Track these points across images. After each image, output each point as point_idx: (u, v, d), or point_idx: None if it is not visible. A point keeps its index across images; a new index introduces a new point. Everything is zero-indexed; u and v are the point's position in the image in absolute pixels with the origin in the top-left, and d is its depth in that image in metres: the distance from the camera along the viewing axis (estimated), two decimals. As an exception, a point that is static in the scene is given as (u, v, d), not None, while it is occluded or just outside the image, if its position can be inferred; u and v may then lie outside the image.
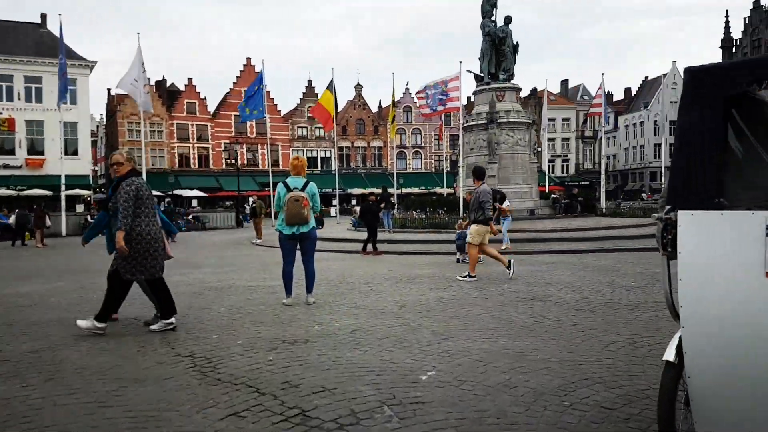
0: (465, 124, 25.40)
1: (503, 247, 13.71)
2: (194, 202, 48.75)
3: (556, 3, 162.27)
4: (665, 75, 76.04)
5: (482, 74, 24.12)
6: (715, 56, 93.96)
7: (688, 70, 2.49)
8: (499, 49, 23.76)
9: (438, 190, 47.67)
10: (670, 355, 2.41)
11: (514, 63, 24.24)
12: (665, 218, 2.40)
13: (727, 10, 77.13)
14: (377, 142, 59.84)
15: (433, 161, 60.83)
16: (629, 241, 15.61)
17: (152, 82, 52.51)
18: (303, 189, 6.60)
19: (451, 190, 28.68)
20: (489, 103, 23.67)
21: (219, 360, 4.39)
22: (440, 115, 33.46)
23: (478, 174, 9.53)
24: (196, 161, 54.99)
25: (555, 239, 16.25)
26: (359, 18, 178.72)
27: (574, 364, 4.14)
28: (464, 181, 25.51)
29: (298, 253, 6.92)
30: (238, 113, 53.44)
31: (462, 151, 26.33)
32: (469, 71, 24.76)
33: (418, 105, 27.49)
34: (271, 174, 32.80)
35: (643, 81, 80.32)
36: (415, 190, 51.54)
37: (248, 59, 55.78)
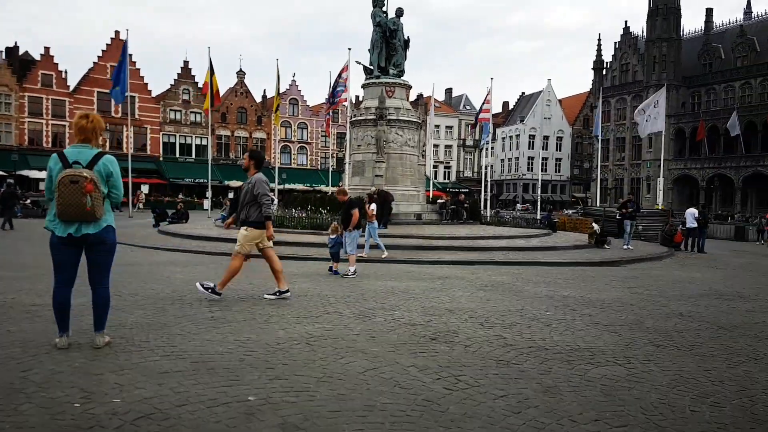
0: (353, 119, 23.56)
1: (383, 255, 12.03)
2: (42, 186, 41.87)
3: (441, 16, 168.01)
4: (540, 92, 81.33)
5: (372, 67, 22.41)
6: (588, 77, 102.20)
7: None
8: (389, 42, 22.21)
9: (323, 188, 45.46)
10: None
11: (405, 59, 22.86)
12: None
13: (599, 34, 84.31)
14: (260, 133, 56.16)
15: (319, 158, 58.46)
16: (519, 253, 14.69)
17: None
18: (90, 166, 4.10)
19: (370, 192, 26.81)
20: (378, 98, 22.04)
21: None
22: (329, 110, 31.37)
23: (255, 158, 6.96)
24: (50, 140, 47.94)
25: (444, 248, 14.87)
26: (250, 6, 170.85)
27: None
28: (351, 179, 23.65)
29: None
30: (102, 90, 47.25)
31: (349, 147, 24.54)
32: (359, 62, 22.96)
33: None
34: (130, 159, 28.42)
35: (520, 96, 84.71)
36: (300, 187, 48.90)
37: (117, 32, 49.47)
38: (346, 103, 23.96)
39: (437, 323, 5.75)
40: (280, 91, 32.07)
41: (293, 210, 19.40)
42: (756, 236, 29.32)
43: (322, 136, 56.94)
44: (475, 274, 10.56)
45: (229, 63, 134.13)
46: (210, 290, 6.57)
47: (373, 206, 12.09)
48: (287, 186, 46.15)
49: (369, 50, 22.43)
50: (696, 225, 19.04)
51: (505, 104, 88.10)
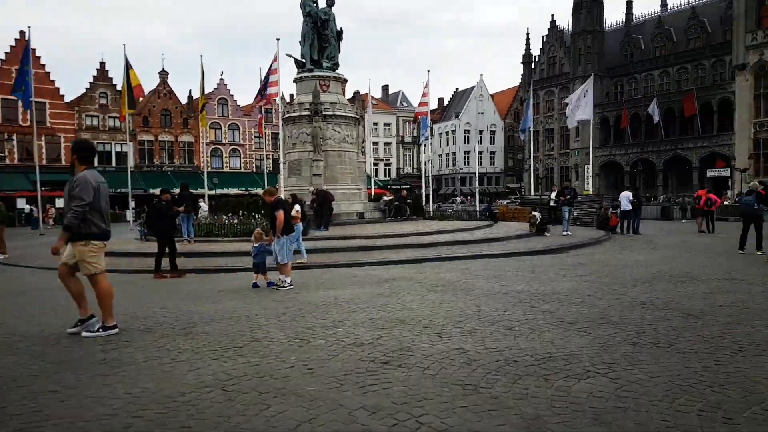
0: (286, 115, 22.39)
1: (300, 261, 10.82)
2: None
3: (374, 14, 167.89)
4: (473, 88, 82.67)
5: (303, 60, 21.33)
6: (517, 71, 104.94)
7: None
8: (321, 34, 21.21)
9: (259, 191, 43.68)
10: None
11: (339, 51, 21.93)
12: None
13: (527, 29, 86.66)
14: (187, 136, 53.36)
15: (254, 160, 56.33)
16: (464, 247, 14.24)
17: None
18: None
19: (294, 193, 25.41)
20: (313, 93, 21.00)
21: None
22: (260, 107, 29.91)
23: (79, 151, 5.48)
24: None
25: (389, 246, 14.16)
26: (175, 6, 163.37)
27: None
28: (287, 180, 22.53)
29: None
30: (8, 96, 43.15)
31: (283, 146, 23.29)
32: (289, 55, 21.77)
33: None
34: (38, 171, 25.87)
35: (454, 92, 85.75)
36: (234, 191, 46.80)
37: (21, 33, 45.30)
38: (277, 99, 22.69)
39: (388, 339, 4.96)
40: (207, 91, 30.27)
41: (223, 216, 18.06)
42: (680, 215, 30.62)
43: (255, 137, 54.90)
44: (423, 273, 9.91)
45: (152, 64, 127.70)
46: (101, 329, 5.38)
47: (297, 207, 11.04)
48: (220, 191, 44.04)
49: (300, 42, 21.32)
50: (630, 207, 19.34)
51: (440, 100, 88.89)
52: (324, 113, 21.33)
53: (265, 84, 21.39)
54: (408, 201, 22.18)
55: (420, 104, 24.09)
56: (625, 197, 19.68)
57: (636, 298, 6.78)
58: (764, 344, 4.52)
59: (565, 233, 17.03)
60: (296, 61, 21.56)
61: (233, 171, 54.93)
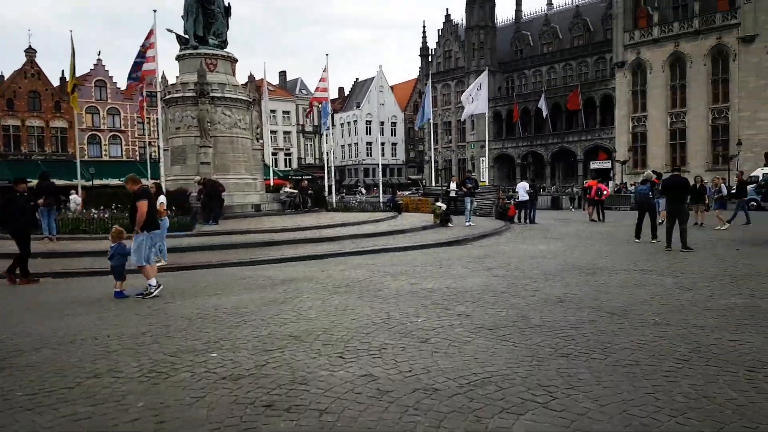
0: (167, 96, 20.17)
1: (159, 263, 8.66)
2: None
3: (270, 1, 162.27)
4: (373, 78, 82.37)
5: (186, 35, 19.25)
6: (415, 63, 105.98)
7: None
8: (207, 8, 19.18)
9: (143, 182, 39.90)
10: None
11: (227, 27, 20.07)
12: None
13: (424, 22, 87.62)
14: (60, 122, 47.64)
15: (137, 148, 51.59)
16: (369, 240, 13.45)
17: None
18: None
19: (157, 181, 22.77)
20: (198, 72, 19.02)
21: None
22: (141, 89, 26.94)
23: None
24: None
25: (288, 242, 12.99)
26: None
27: None
28: (170, 168, 20.35)
29: None
30: None
31: (166, 130, 21.05)
32: (170, 30, 19.50)
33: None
34: None
35: (354, 82, 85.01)
36: (115, 182, 42.49)
37: None
38: (155, 76, 20.34)
39: (276, 367, 3.90)
40: (84, 72, 26.66)
41: (92, 210, 15.76)
42: (569, 204, 32.31)
43: (138, 122, 50.35)
44: (326, 271, 8.93)
45: (18, 44, 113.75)
46: None
47: (162, 199, 9.51)
48: (99, 182, 39.77)
49: (182, 17, 19.18)
50: (527, 198, 19.65)
51: (341, 90, 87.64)
52: (212, 95, 19.44)
53: (141, 60, 19.01)
54: (309, 192, 20.99)
55: (318, 89, 22.75)
56: (522, 188, 19.99)
57: (551, 295, 6.29)
58: (704, 350, 4.07)
59: (467, 224, 16.85)
60: (178, 37, 19.42)
61: (113, 160, 49.98)
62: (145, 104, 29.24)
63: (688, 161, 40.67)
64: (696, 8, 41.37)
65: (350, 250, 11.71)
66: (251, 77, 61.98)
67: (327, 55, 22.96)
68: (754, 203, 24.00)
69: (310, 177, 59.98)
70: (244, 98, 20.56)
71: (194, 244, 12.74)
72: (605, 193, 20.15)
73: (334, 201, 24.48)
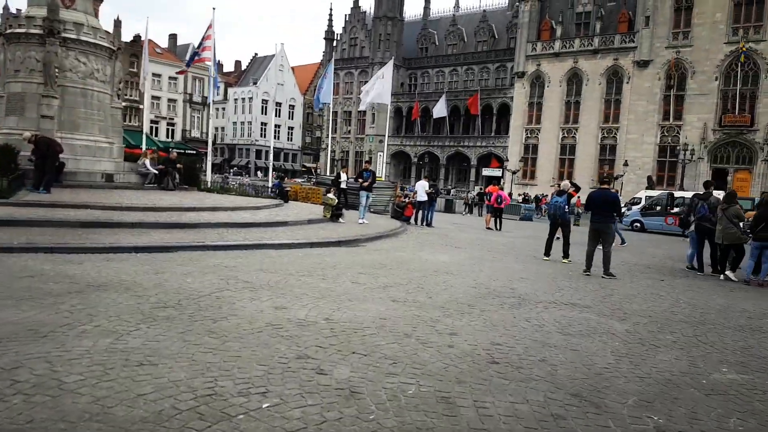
0: (8, 31, 16.07)
1: None
2: None
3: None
4: (273, 56, 77.81)
5: (37, -46, 15.25)
6: (319, 46, 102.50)
7: None
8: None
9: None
10: None
11: (94, -44, 16.30)
12: None
13: (331, 5, 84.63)
14: None
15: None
16: (241, 231, 11.00)
17: None
18: None
19: None
20: (48, 5, 15.22)
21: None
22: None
23: None
24: None
25: (131, 224, 10.13)
26: None
27: None
28: (5, 120, 16.14)
29: None
30: None
31: (3, 73, 16.90)
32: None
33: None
34: None
35: (253, 57, 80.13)
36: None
37: None
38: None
39: None
40: None
41: None
42: (463, 209, 31.78)
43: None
44: (161, 273, 6.43)
45: None
46: None
47: None
48: None
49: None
50: (426, 198, 18.12)
51: (238, 63, 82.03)
52: (64, 35, 15.69)
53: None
54: (178, 166, 17.72)
55: (202, 48, 19.29)
56: (422, 187, 18.34)
57: (476, 345, 4.39)
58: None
59: (360, 221, 14.91)
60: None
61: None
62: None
63: (574, 177, 42.42)
64: (597, 27, 43.10)
65: (211, 243, 9.18)
66: (137, 37, 55.10)
67: (214, 9, 19.52)
68: (638, 224, 24.80)
69: (195, 152, 54.82)
70: (106, 45, 16.81)
71: (2, 215, 9.47)
72: (505, 201, 19.20)
73: (209, 180, 21.27)
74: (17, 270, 6.14)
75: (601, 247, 8.85)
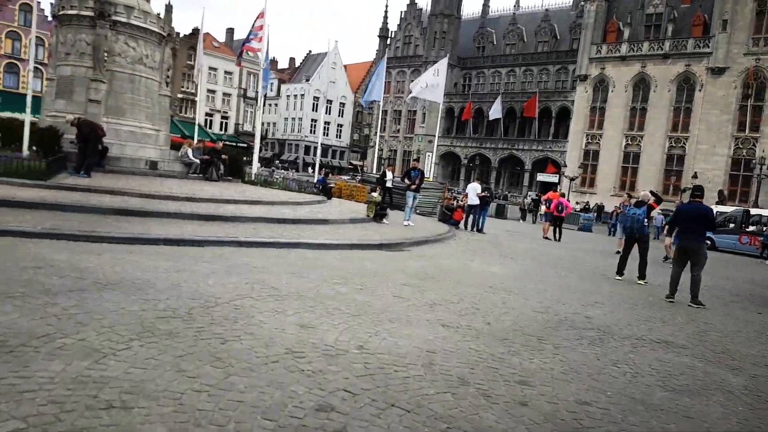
0: (60, 12, 16.06)
1: None
2: None
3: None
4: (327, 53, 77.82)
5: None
6: (374, 44, 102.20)
7: None
8: None
9: (33, 118, 34.29)
10: None
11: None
12: None
13: (387, 3, 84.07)
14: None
15: (45, 79, 45.06)
16: (279, 228, 10.26)
17: None
18: None
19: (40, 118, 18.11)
20: (97, -13, 15.02)
21: None
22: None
23: None
24: None
25: (167, 214, 9.56)
26: None
27: None
28: (54, 102, 16.15)
29: None
30: None
31: (54, 55, 17.00)
32: None
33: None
34: None
35: (307, 54, 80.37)
36: (7, 115, 36.42)
37: None
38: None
39: None
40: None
41: None
42: (518, 215, 30.07)
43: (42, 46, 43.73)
44: (181, 271, 5.68)
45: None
46: None
47: None
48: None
49: None
50: (478, 202, 16.88)
51: (292, 60, 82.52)
52: (114, 18, 15.51)
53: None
54: (223, 157, 17.27)
55: (253, 38, 18.66)
56: (473, 189, 17.08)
57: (558, 404, 3.33)
58: None
59: (406, 223, 13.93)
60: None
61: (7, 90, 43.32)
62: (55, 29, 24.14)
63: (637, 187, 39.93)
64: (669, 30, 40.41)
65: (244, 238, 8.42)
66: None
67: (266, -1, 18.71)
68: (708, 241, 22.73)
69: (246, 145, 55.28)
70: (156, 30, 16.55)
71: (26, 198, 9.05)
72: (567, 209, 17.67)
73: (253, 173, 20.79)
74: (28, 259, 5.52)
75: (689, 270, 7.50)
